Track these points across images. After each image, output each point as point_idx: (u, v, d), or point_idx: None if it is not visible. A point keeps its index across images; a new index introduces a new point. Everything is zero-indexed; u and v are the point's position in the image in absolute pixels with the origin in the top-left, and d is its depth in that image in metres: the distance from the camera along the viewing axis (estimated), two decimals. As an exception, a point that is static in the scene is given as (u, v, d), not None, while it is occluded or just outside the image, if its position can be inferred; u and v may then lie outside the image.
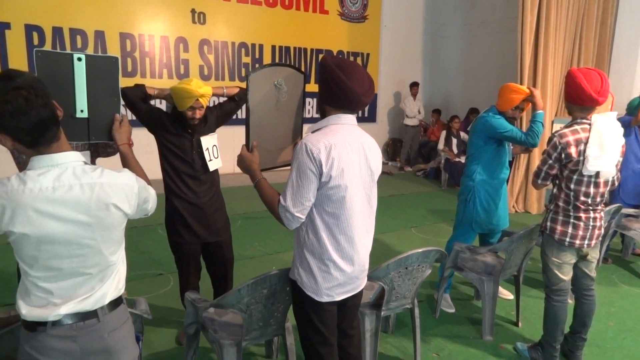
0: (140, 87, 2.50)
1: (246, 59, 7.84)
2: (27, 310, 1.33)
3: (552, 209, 2.53)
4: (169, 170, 2.57)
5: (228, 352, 2.08)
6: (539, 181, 2.55)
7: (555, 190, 2.53)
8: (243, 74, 7.78)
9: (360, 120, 9.17)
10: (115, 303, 1.45)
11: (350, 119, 1.75)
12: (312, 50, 8.51)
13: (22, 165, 2.25)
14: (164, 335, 2.82)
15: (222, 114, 2.72)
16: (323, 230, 1.71)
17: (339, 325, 1.89)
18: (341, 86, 1.66)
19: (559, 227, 2.47)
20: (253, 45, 7.87)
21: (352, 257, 1.76)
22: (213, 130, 2.69)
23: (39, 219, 1.25)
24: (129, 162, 1.66)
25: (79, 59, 1.61)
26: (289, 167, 2.06)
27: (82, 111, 1.65)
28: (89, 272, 1.36)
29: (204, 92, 2.42)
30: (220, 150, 2.69)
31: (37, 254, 1.29)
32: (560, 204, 2.48)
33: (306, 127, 1.88)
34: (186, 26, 7.18)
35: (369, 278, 2.14)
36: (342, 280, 1.76)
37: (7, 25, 6.01)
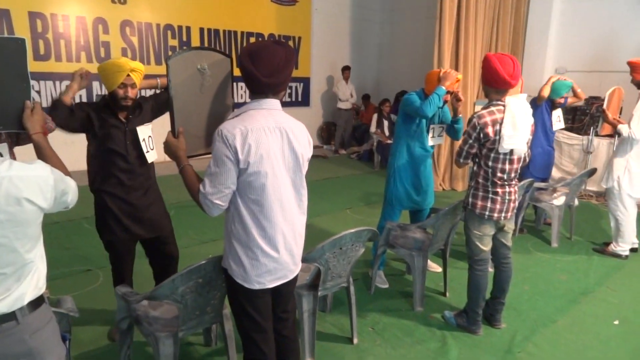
0: (57, 106, 2.24)
1: (173, 42, 7.50)
2: None
3: (472, 186, 2.72)
4: (98, 164, 2.41)
5: (164, 343, 2.05)
6: (461, 160, 2.71)
7: (475, 168, 2.71)
8: (170, 57, 7.45)
9: (293, 104, 9.24)
10: (36, 303, 1.37)
11: (271, 103, 1.72)
12: (242, 33, 8.31)
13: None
14: (95, 333, 2.70)
15: (157, 105, 2.56)
16: (248, 218, 1.70)
17: (273, 310, 1.90)
18: (246, 71, 1.66)
19: (479, 202, 2.66)
20: (180, 27, 7.54)
21: (279, 243, 1.75)
22: (149, 121, 2.54)
23: None
24: (44, 152, 1.55)
25: None
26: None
27: None
28: (2, 271, 1.27)
29: (135, 66, 2.29)
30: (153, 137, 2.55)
31: None
32: (480, 180, 2.66)
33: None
34: (105, 6, 6.71)
35: (305, 260, 2.19)
36: (271, 267, 1.76)
37: None
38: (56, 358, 1.42)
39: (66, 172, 1.49)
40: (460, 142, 2.73)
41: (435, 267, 3.69)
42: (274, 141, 1.68)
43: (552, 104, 4.41)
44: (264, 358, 1.86)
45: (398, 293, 3.37)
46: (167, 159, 1.94)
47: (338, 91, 9.03)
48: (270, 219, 1.71)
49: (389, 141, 7.71)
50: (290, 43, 9.01)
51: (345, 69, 9.01)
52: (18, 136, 2.16)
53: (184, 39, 7.62)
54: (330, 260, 2.43)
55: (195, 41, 7.74)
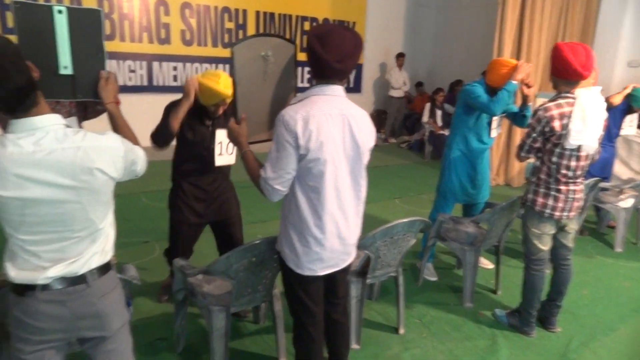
0: (164, 133, 2.35)
1: (229, 25, 7.62)
2: (15, 273, 1.31)
3: (534, 182, 2.59)
4: (183, 158, 2.56)
5: (217, 317, 2.11)
6: (523, 154, 2.59)
7: (537, 163, 2.58)
8: (226, 39, 7.58)
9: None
10: (105, 268, 1.44)
11: (335, 89, 1.70)
12: (297, 17, 8.31)
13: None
14: (151, 302, 2.84)
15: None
16: (304, 204, 1.70)
17: (325, 295, 1.91)
18: (315, 55, 1.63)
19: (540, 199, 2.54)
20: (236, 10, 7.63)
21: (334, 232, 1.74)
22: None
23: (21, 183, 1.22)
24: (116, 122, 1.60)
25: (60, 12, 1.53)
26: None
27: (65, 67, 1.58)
28: (76, 235, 1.34)
29: (230, 94, 2.29)
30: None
31: (22, 218, 1.27)
32: (542, 176, 2.53)
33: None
34: (167, -12, 6.91)
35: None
36: (323, 255, 1.75)
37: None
38: (120, 321, 1.50)
39: (136, 142, 1.54)
40: (524, 135, 2.60)
41: (486, 263, 3.58)
42: (335, 128, 1.66)
43: (628, 108, 4.13)
44: (311, 341, 1.88)
45: (447, 287, 3.30)
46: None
47: (391, 78, 8.86)
48: (326, 206, 1.70)
49: (441, 132, 7.51)
50: (345, 28, 8.92)
51: (400, 56, 8.82)
52: (86, 110, 2.27)
53: (240, 21, 7.71)
54: (380, 249, 2.41)
55: (251, 24, 7.82)
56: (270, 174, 1.65)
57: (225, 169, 2.68)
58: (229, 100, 2.39)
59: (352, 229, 1.82)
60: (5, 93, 1.18)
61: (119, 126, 1.59)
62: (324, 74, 1.67)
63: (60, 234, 1.32)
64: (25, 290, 1.32)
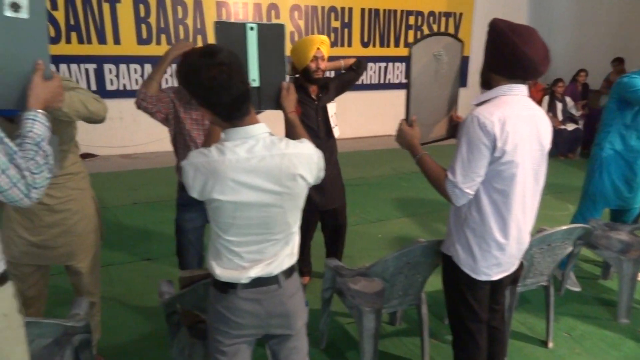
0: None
1: (335, 24, 7.71)
2: (221, 272, 1.42)
3: None
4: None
5: (368, 318, 2.13)
6: None
7: None
8: (332, 39, 7.68)
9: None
10: (292, 270, 1.52)
11: (522, 89, 1.64)
12: (402, 12, 8.17)
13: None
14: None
15: (341, 84, 2.81)
16: (489, 208, 1.64)
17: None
18: (516, 53, 1.55)
19: None
20: (342, 8, 7.70)
21: (516, 237, 1.69)
22: (332, 99, 2.75)
23: (237, 188, 1.32)
24: (296, 131, 1.67)
25: (251, 28, 1.63)
26: (439, 143, 2.01)
27: (254, 80, 1.68)
28: (275, 238, 1.42)
29: (323, 38, 2.56)
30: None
31: (232, 221, 1.36)
32: None
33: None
34: (278, -8, 7.18)
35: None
36: (502, 260, 1.71)
37: (117, -1, 6.36)
38: (302, 321, 1.57)
39: None
40: None
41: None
42: (527, 130, 1.60)
43: None
44: (477, 349, 1.82)
45: (593, 299, 3.02)
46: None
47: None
48: (512, 210, 1.64)
49: (562, 126, 6.93)
50: (451, 20, 8.59)
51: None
52: None
53: (346, 20, 7.77)
54: (535, 256, 2.27)
55: (356, 22, 7.84)
56: (460, 178, 1.60)
57: (334, 145, 2.78)
58: (324, 50, 2.52)
59: (528, 232, 1.76)
60: (229, 99, 1.28)
61: (298, 135, 1.65)
62: (521, 73, 1.59)
63: (262, 236, 1.40)
64: (227, 287, 1.43)
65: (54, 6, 6.08)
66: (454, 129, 1.99)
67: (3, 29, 1.22)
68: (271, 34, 1.68)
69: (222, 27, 1.61)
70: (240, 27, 1.63)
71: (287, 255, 1.48)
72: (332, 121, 2.70)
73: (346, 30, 7.79)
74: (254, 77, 1.68)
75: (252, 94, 1.72)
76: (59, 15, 6.14)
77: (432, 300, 2.60)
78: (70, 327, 1.58)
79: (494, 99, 1.63)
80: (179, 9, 6.65)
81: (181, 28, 6.74)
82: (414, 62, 1.71)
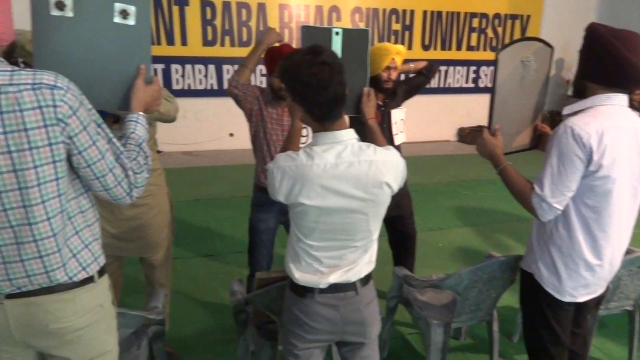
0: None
1: (396, 26, 7.61)
2: (300, 275, 1.42)
3: None
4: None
5: (436, 331, 2.07)
6: None
7: None
8: (392, 41, 7.59)
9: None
10: (369, 278, 1.49)
11: (622, 99, 1.52)
12: (465, 14, 7.92)
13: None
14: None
15: (409, 88, 2.74)
16: (578, 225, 1.54)
17: None
18: (618, 60, 1.44)
19: None
20: (404, 11, 7.58)
21: (606, 257, 1.58)
22: (400, 104, 2.68)
23: (324, 193, 1.31)
24: (376, 137, 1.64)
25: (337, 33, 1.63)
26: (518, 152, 1.92)
27: None
28: (355, 244, 1.40)
29: (400, 49, 2.49)
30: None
31: (315, 225, 1.36)
32: None
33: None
34: (339, -6, 7.19)
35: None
36: (590, 281, 1.60)
37: (185, 2, 6.61)
38: (377, 330, 1.54)
39: None
40: None
41: None
42: (627, 143, 1.48)
43: None
44: (557, 374, 1.71)
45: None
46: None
47: (572, 77, 7.90)
48: (606, 229, 1.53)
49: None
50: (517, 23, 8.23)
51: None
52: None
53: (407, 22, 7.64)
54: (623, 279, 2.11)
55: (418, 24, 7.70)
56: (549, 192, 1.51)
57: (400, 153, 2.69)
58: (398, 60, 2.44)
59: (621, 253, 1.64)
60: (325, 99, 1.28)
61: (378, 141, 1.62)
62: (622, 81, 1.48)
63: (343, 242, 1.39)
64: (305, 291, 1.43)
65: (128, 9, 6.42)
66: (538, 139, 1.89)
67: (112, 35, 1.29)
68: (355, 39, 1.67)
69: (308, 32, 1.62)
70: (326, 32, 1.63)
71: (366, 262, 1.46)
72: (397, 127, 2.63)
73: (407, 32, 7.67)
74: None
75: None
76: (133, 18, 6.47)
77: (501, 317, 2.49)
78: (151, 319, 1.63)
79: (589, 108, 1.52)
80: (243, 11, 6.81)
81: (244, 30, 6.90)
82: (500, 67, 1.65)
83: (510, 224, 4.31)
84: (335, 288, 1.42)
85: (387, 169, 1.35)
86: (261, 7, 6.87)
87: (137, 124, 1.26)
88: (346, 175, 1.31)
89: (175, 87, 6.78)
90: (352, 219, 1.36)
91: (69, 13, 1.24)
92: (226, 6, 6.74)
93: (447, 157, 6.75)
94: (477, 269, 1.91)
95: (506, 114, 1.69)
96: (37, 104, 0.99)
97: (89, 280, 1.16)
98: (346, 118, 1.39)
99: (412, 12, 7.63)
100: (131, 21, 1.29)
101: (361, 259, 1.44)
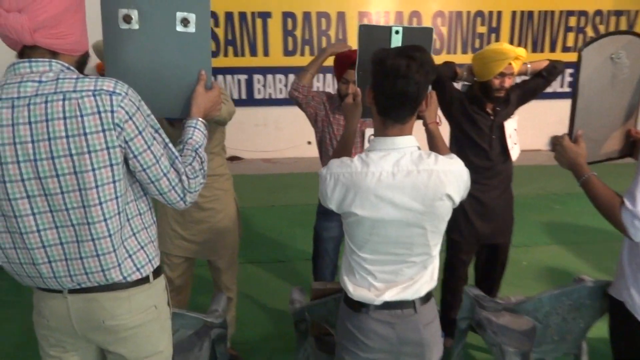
0: (450, 65, 2.25)
1: (481, 29, 7.23)
2: (353, 289, 1.35)
3: None
4: (459, 154, 2.37)
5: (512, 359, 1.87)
6: None
7: None
8: (476, 45, 7.22)
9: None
10: (429, 296, 1.38)
11: None
12: (560, 13, 7.31)
13: None
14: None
15: (524, 93, 2.32)
16: None
17: None
18: None
19: None
20: (490, 13, 7.19)
21: None
22: (512, 113, 2.30)
23: (378, 204, 1.23)
24: (437, 143, 1.53)
25: (397, 32, 1.55)
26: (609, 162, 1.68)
27: None
28: (412, 260, 1.30)
29: (520, 53, 2.08)
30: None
31: (369, 237, 1.28)
32: None
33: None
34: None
35: None
36: None
37: (268, 14, 6.85)
38: (438, 354, 1.41)
39: None
40: None
41: None
42: None
43: None
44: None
45: None
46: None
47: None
48: None
49: None
50: (622, 20, 7.42)
51: None
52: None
53: (494, 24, 7.23)
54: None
55: (506, 27, 7.25)
56: None
57: (510, 169, 2.31)
58: (515, 66, 2.09)
59: None
60: (391, 90, 1.20)
61: (439, 147, 1.51)
62: None
63: (399, 256, 1.29)
64: (360, 306, 1.35)
65: (216, 23, 6.81)
66: (632, 146, 1.64)
67: (175, 43, 1.33)
68: (417, 38, 1.56)
69: (366, 30, 1.55)
70: (385, 30, 1.55)
71: (426, 281, 1.34)
72: (511, 140, 2.24)
73: (493, 35, 7.25)
74: None
75: None
76: (220, 32, 6.85)
77: (592, 350, 2.19)
78: (209, 322, 1.66)
79: None
80: (323, 20, 6.90)
81: (324, 39, 6.98)
82: (583, 66, 1.44)
83: (609, 244, 3.81)
84: (392, 304, 1.33)
85: (449, 179, 1.24)
86: (340, 16, 6.91)
87: (196, 129, 1.29)
88: (403, 185, 1.22)
89: (257, 96, 7.05)
90: (409, 233, 1.26)
91: (135, 25, 1.30)
92: (306, 16, 6.88)
93: (537, 168, 6.23)
94: (561, 294, 1.69)
95: (591, 118, 1.45)
96: (96, 109, 1.03)
97: (145, 280, 1.20)
98: (412, 127, 1.29)
99: (499, 13, 7.21)
100: (192, 29, 1.32)
101: (420, 277, 1.33)
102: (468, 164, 2.19)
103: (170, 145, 1.18)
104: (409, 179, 1.22)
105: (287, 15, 6.85)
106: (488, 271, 2.50)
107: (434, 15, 7.05)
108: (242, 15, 6.81)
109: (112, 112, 1.04)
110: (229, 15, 6.81)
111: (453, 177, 1.25)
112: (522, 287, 3.15)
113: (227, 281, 2.29)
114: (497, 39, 7.24)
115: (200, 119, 1.31)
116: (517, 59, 2.08)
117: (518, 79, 2.32)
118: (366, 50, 1.56)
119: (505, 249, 2.42)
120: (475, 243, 2.36)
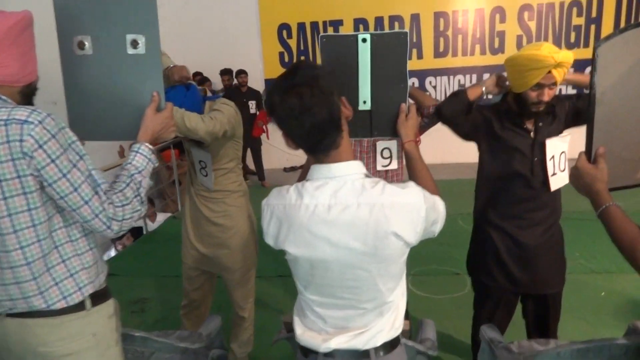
0: (459, 97, 1.82)
1: (578, 20, 6.41)
2: (302, 331, 1.21)
3: None
4: (489, 185, 1.87)
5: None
6: None
7: None
8: (572, 39, 6.42)
9: None
10: (391, 345, 1.18)
11: None
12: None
13: None
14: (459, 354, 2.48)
15: (578, 109, 1.82)
16: None
17: None
18: None
19: None
20: (589, 1, 6.34)
21: None
22: (561, 131, 1.82)
23: (313, 241, 1.07)
24: (414, 165, 1.32)
25: (364, 40, 1.37)
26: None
27: (364, 102, 1.41)
28: (363, 306, 1.12)
29: (563, 59, 1.61)
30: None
31: (311, 278, 1.13)
32: None
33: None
34: (505, -6, 6.43)
35: None
36: None
37: (340, 22, 6.81)
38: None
39: (436, 191, 1.20)
40: None
41: None
42: None
43: None
44: None
45: None
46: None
47: None
48: None
49: None
50: None
51: None
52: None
53: (593, 14, 6.37)
54: None
55: (608, 15, 6.36)
56: None
57: (557, 200, 1.86)
58: (557, 76, 1.63)
59: None
60: (300, 130, 1.04)
61: (417, 169, 1.30)
62: None
63: (347, 301, 1.12)
64: (309, 352, 1.20)
65: (289, 35, 6.94)
66: None
67: (127, 66, 1.32)
68: (390, 46, 1.37)
69: (329, 42, 1.39)
70: (350, 40, 1.37)
71: (383, 329, 1.15)
72: (554, 165, 1.79)
73: (592, 27, 6.38)
74: (364, 98, 1.40)
75: (362, 119, 1.44)
76: (292, 43, 6.97)
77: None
78: (182, 347, 1.61)
79: None
80: (396, 24, 6.67)
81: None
82: (600, 66, 1.13)
83: None
84: (343, 354, 1.16)
85: (395, 214, 1.03)
86: (414, 18, 6.62)
87: (138, 153, 1.25)
88: (339, 221, 1.05)
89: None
90: (353, 275, 1.08)
91: (89, 51, 1.31)
92: (378, 21, 6.71)
93: None
94: (586, 350, 1.35)
95: (617, 131, 1.09)
96: (6, 138, 1.05)
97: (79, 307, 1.19)
98: (348, 148, 1.11)
99: (600, 1, 6.32)
100: (142, 50, 1.30)
101: (375, 325, 1.14)
102: (503, 193, 1.88)
103: (94, 172, 1.16)
104: (347, 214, 1.04)
105: (359, 22, 6.74)
106: (537, 323, 2.03)
107: (519, 8, 6.42)
108: (314, 25, 6.85)
109: (20, 141, 1.05)
110: (301, 26, 6.90)
111: (402, 211, 1.04)
112: (593, 325, 2.68)
113: (238, 299, 2.24)
114: (597, 32, 6.36)
115: (145, 143, 1.28)
116: (559, 66, 1.62)
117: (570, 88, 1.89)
118: (332, 66, 1.40)
119: (557, 299, 1.94)
120: (513, 293, 1.92)
